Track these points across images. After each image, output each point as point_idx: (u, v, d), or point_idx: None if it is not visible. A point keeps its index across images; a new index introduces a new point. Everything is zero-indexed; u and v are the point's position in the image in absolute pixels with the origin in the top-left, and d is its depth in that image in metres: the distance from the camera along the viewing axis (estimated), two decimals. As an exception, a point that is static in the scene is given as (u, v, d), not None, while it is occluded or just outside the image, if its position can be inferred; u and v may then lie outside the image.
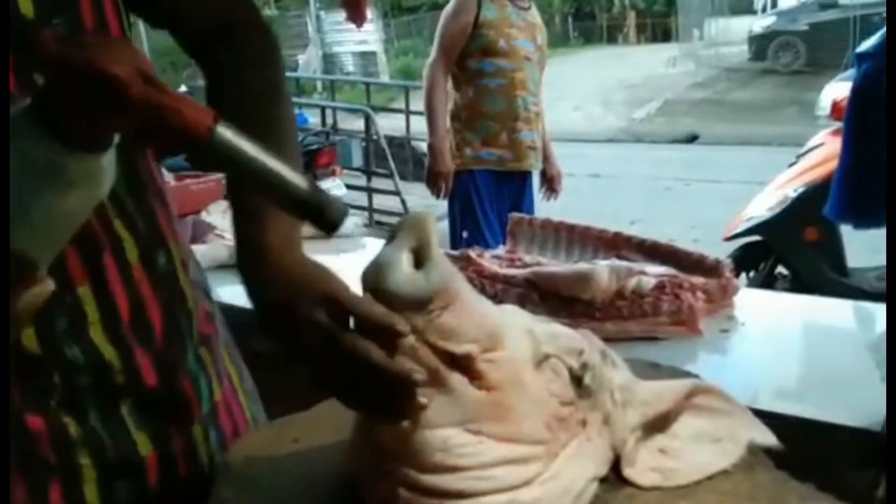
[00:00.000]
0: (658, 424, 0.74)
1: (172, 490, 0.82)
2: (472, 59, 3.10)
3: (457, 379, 0.65)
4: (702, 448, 0.74)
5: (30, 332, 0.71)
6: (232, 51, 0.86)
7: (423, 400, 0.63)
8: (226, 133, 0.52)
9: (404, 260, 0.62)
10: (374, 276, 0.63)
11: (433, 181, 3.17)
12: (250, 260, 0.74)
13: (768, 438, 0.75)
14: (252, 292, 0.74)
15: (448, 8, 3.16)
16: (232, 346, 0.99)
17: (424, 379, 0.63)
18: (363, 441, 0.70)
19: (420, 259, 0.62)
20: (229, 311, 1.48)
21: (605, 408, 0.72)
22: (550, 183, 3.42)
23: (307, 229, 0.65)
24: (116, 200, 0.76)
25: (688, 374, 0.94)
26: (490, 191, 3.19)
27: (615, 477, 0.72)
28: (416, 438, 0.64)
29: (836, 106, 3.70)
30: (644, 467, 0.72)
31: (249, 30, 0.89)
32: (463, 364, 0.65)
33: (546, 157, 3.33)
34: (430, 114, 3.17)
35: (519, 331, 0.70)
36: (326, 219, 0.56)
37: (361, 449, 0.70)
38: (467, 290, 0.67)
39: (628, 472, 0.71)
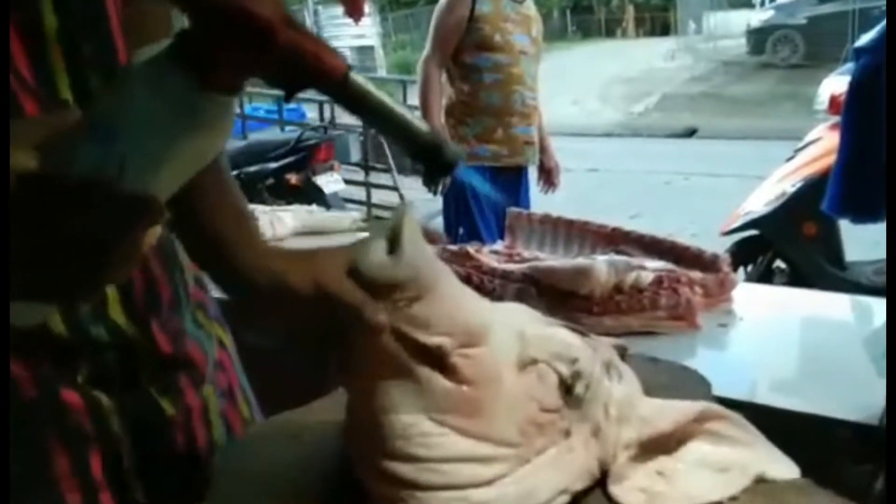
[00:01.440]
0: (661, 445, 0.71)
1: (194, 447, 0.87)
2: (466, 55, 3.09)
3: (425, 369, 0.64)
4: (704, 475, 0.70)
5: (56, 318, 0.74)
6: None
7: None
8: (357, 77, 0.56)
9: (379, 247, 0.63)
10: (352, 261, 0.64)
11: (430, 179, 3.16)
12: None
13: (791, 471, 0.72)
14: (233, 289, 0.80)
15: (442, 2, 3.14)
16: (217, 309, 1.02)
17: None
18: (348, 424, 0.71)
19: (392, 249, 0.63)
20: (226, 307, 1.49)
21: (596, 420, 0.70)
22: (548, 176, 3.41)
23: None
24: None
25: (685, 369, 0.94)
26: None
27: (602, 493, 0.70)
28: (381, 422, 0.64)
29: (834, 100, 3.70)
30: (632, 486, 0.69)
31: None
32: (435, 356, 0.64)
33: (543, 150, 3.32)
34: (425, 110, 3.15)
35: (505, 331, 0.69)
36: (444, 158, 0.59)
37: (348, 432, 0.72)
38: (447, 284, 0.66)
39: (613, 489, 0.69)
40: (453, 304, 0.66)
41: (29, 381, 0.73)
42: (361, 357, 0.66)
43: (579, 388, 0.69)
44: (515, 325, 0.71)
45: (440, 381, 0.65)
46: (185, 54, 0.52)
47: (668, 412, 0.72)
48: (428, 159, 0.59)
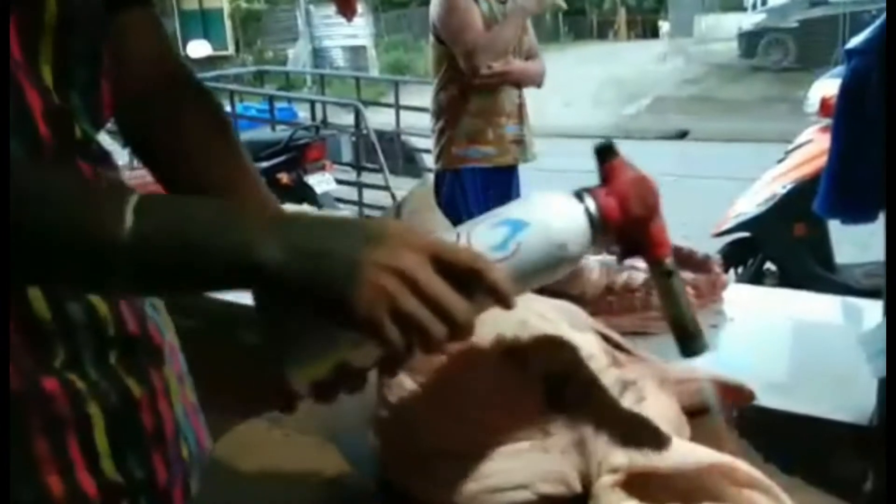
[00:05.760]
0: (663, 486, 0.66)
1: (160, 427, 0.89)
2: (455, 57, 3.06)
3: None
4: None
5: (39, 296, 0.77)
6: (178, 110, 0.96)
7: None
8: (671, 265, 0.72)
9: (388, 216, 0.69)
10: None
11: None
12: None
13: None
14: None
15: (446, 6, 3.07)
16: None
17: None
18: None
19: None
20: (218, 305, 1.48)
21: (582, 432, 0.69)
22: None
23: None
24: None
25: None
26: (476, 188, 3.17)
27: None
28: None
29: (824, 103, 3.72)
30: None
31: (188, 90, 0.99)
32: None
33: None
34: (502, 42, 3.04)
35: (502, 315, 0.70)
36: (695, 347, 0.71)
37: None
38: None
39: None
40: None
41: (13, 373, 0.75)
42: None
43: (569, 395, 0.69)
44: (522, 314, 0.71)
45: None
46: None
47: (675, 453, 0.67)
48: (684, 344, 0.70)
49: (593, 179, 0.74)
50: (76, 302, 0.79)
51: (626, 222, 0.67)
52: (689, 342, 0.70)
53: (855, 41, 1.29)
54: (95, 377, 0.82)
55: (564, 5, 3.22)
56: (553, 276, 0.67)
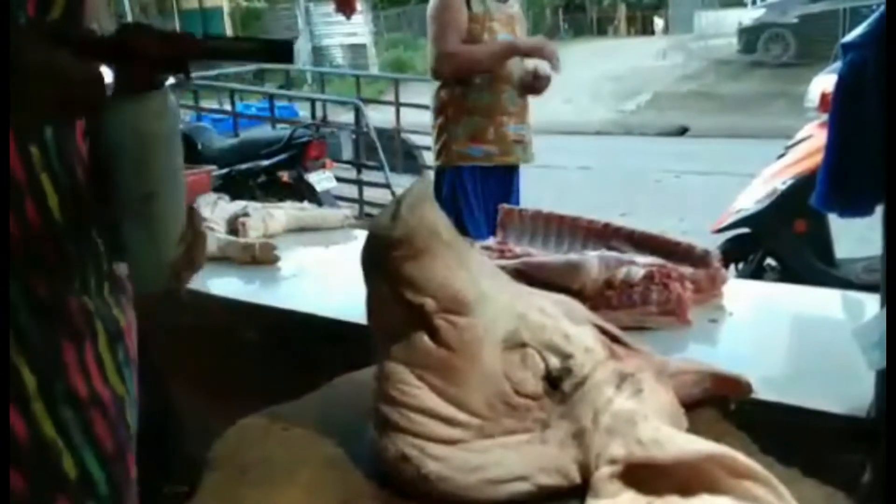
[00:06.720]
0: (661, 477, 0.65)
1: (135, 358, 1.08)
2: None
3: (415, 327, 0.70)
4: None
5: (69, 228, 0.95)
6: None
7: None
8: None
9: (388, 211, 0.72)
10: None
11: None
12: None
13: None
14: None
15: (437, 6, 3.06)
16: None
17: None
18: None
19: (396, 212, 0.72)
20: (218, 303, 1.49)
21: (582, 423, 0.69)
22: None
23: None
24: None
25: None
26: (476, 187, 3.15)
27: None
28: (380, 366, 0.73)
29: (824, 98, 3.71)
30: None
31: None
32: (422, 316, 0.69)
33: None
34: (480, 59, 3.03)
35: (502, 309, 0.71)
36: (279, 50, 0.82)
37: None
38: (446, 253, 0.70)
39: (590, 502, 0.66)
40: (446, 272, 0.69)
41: (46, 289, 0.94)
42: (380, 310, 0.73)
43: (566, 385, 0.69)
44: (521, 307, 0.72)
45: (424, 340, 0.70)
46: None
47: (673, 445, 0.66)
48: (267, 55, 0.81)
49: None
50: (86, 235, 0.98)
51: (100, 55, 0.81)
52: (273, 50, 0.82)
53: (851, 35, 1.29)
54: (98, 303, 1.00)
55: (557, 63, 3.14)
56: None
